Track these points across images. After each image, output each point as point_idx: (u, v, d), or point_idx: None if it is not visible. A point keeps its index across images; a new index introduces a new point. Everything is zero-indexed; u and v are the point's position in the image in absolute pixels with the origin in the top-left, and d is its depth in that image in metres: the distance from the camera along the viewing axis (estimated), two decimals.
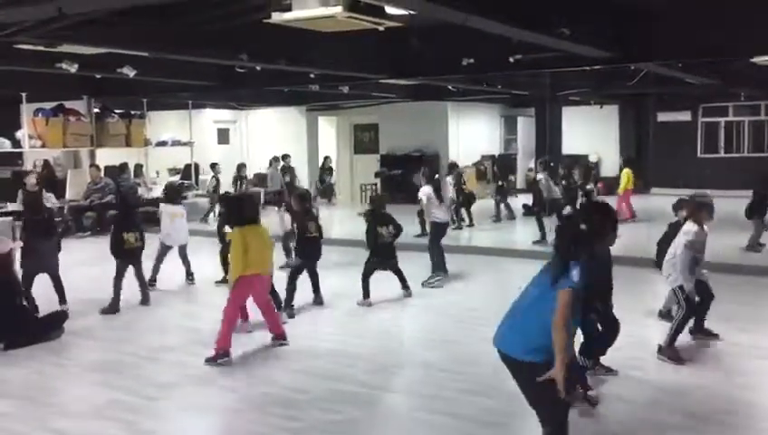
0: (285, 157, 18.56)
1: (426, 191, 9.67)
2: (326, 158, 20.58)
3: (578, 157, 19.86)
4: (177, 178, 17.83)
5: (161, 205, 10.05)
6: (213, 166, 16.52)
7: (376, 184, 20.39)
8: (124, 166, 15.95)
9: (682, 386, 5.70)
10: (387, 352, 7.02)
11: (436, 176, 10.62)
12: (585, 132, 21.30)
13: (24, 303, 7.44)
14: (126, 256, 8.38)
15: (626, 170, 15.17)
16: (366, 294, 8.41)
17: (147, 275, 8.88)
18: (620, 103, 21.38)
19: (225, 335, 6.40)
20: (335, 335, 7.40)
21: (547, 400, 3.62)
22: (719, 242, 11.17)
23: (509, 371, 3.78)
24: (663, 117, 21.74)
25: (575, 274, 3.49)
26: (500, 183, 16.23)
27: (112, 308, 8.21)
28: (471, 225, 14.54)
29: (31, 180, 12.70)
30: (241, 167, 17.04)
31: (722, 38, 7.97)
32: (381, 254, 8.56)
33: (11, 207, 13.06)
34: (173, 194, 10.15)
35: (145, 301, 8.58)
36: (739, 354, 6.50)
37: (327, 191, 19.90)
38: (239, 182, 16.73)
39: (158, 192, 16.26)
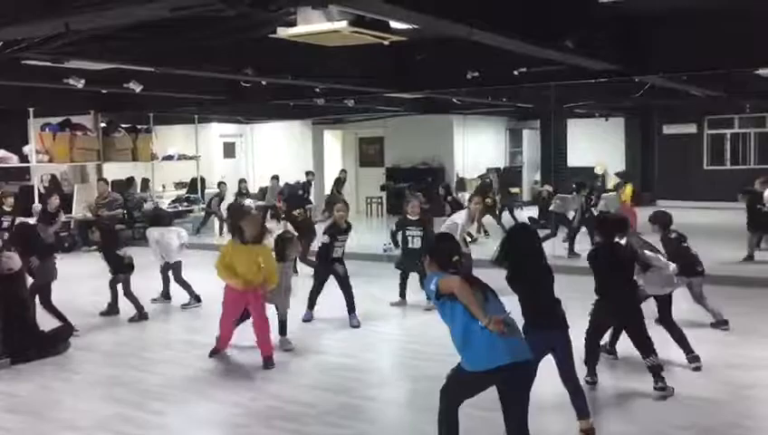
0: (309, 173, 18.52)
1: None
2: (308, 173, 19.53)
3: (583, 169, 19.87)
4: (183, 192, 17.93)
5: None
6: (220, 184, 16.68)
7: (381, 197, 20.42)
8: (131, 180, 16.02)
9: (689, 399, 5.66)
10: (394, 366, 7.02)
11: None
12: (590, 145, 21.29)
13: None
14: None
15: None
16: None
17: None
18: (626, 116, 21.38)
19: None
20: (342, 349, 7.39)
21: None
22: (723, 254, 11.19)
23: (524, 379, 4.09)
24: (668, 129, 21.74)
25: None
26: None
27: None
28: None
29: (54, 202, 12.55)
30: (241, 181, 17.26)
31: (725, 50, 7.98)
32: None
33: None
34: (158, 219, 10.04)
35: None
36: (746, 366, 6.46)
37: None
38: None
39: (164, 206, 16.37)
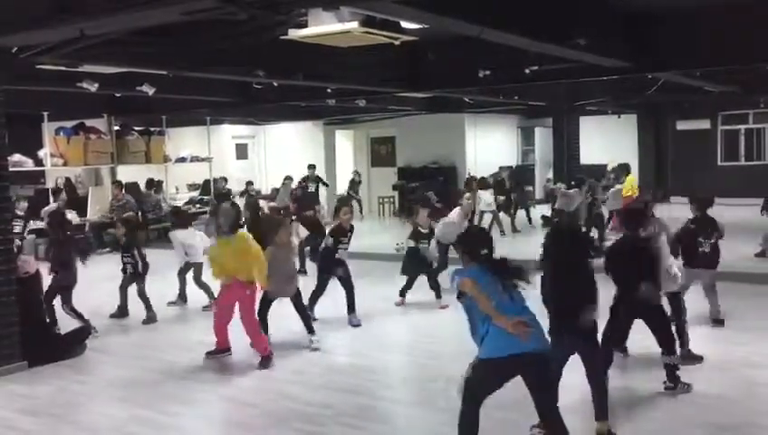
0: (311, 167, 18.48)
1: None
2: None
3: (597, 166, 19.76)
4: (196, 194, 18.00)
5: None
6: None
7: (393, 197, 20.42)
8: (152, 182, 16.22)
9: (704, 397, 5.63)
10: (407, 366, 7.02)
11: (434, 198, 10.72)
12: (603, 142, 21.19)
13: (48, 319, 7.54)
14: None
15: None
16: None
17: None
18: (639, 112, 21.24)
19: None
20: (354, 349, 7.41)
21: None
22: (738, 251, 11.11)
23: (539, 370, 4.17)
24: (682, 125, 21.58)
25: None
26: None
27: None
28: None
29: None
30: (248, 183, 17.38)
31: (739, 46, 7.91)
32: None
33: (34, 225, 13.23)
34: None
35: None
36: (762, 364, 6.41)
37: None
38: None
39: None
